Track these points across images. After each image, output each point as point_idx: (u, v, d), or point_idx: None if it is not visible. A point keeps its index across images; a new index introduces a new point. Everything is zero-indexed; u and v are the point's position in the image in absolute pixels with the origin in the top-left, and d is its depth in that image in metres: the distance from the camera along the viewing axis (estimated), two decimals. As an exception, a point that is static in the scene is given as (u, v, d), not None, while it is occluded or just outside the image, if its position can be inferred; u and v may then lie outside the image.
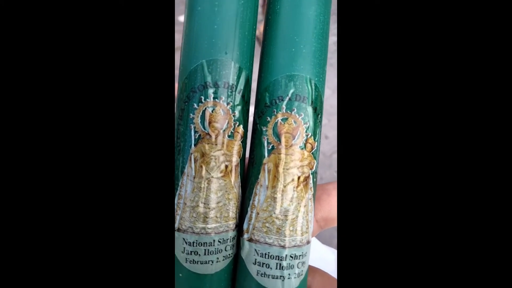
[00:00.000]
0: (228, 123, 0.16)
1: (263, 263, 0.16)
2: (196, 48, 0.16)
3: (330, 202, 0.20)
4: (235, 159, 0.16)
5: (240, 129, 0.16)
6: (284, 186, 0.16)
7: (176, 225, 0.16)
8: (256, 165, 0.17)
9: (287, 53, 0.16)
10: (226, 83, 0.16)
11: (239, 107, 0.16)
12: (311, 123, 0.16)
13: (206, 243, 0.16)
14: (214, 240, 0.16)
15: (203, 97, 0.16)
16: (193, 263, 0.16)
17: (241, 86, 0.16)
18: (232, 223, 0.17)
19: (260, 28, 0.19)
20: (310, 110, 0.16)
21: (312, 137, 0.17)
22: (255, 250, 0.17)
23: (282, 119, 0.16)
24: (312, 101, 0.16)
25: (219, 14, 0.16)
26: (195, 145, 0.16)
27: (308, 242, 0.17)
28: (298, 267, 0.17)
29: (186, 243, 0.16)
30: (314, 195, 0.17)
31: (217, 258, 0.17)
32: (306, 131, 0.16)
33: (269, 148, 0.16)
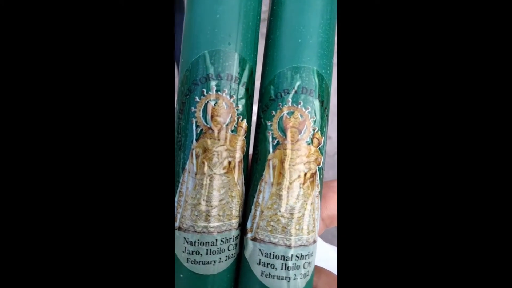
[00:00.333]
0: (231, 117, 0.15)
1: (267, 264, 0.16)
2: (198, 38, 0.15)
3: (336, 199, 0.19)
4: (238, 155, 0.16)
5: (244, 123, 0.16)
6: (290, 183, 0.15)
7: (177, 224, 0.16)
8: (260, 161, 0.16)
9: (293, 44, 0.16)
10: (229, 75, 0.15)
11: (242, 101, 0.16)
12: (318, 117, 0.16)
13: (208, 242, 0.16)
14: (216, 240, 0.16)
15: (205, 90, 0.15)
16: (194, 263, 0.16)
17: (244, 78, 0.16)
18: (235, 222, 0.16)
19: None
20: (317, 103, 0.16)
21: (319, 132, 0.16)
22: (260, 249, 0.16)
23: (288, 113, 0.16)
24: (319, 94, 0.16)
25: (222, 3, 0.15)
26: (196, 140, 0.15)
27: (315, 241, 0.16)
28: (304, 267, 0.16)
29: (187, 242, 0.16)
30: (320, 192, 0.16)
31: (220, 258, 0.16)
32: (313, 126, 0.16)
33: (274, 143, 0.16)
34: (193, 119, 0.15)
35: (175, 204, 0.16)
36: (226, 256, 0.16)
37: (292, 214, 0.16)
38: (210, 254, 0.16)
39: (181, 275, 0.16)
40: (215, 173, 0.15)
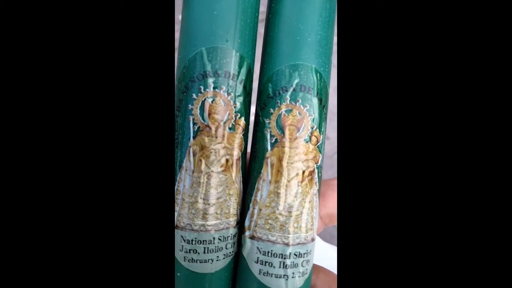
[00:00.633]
0: (229, 114, 0.15)
1: (265, 262, 0.16)
2: (196, 35, 0.15)
3: (335, 198, 0.19)
4: (236, 152, 0.16)
5: (242, 121, 0.16)
6: (288, 181, 0.15)
7: (174, 222, 0.16)
8: (258, 159, 0.16)
9: (291, 41, 0.16)
10: (227, 72, 0.15)
11: (240, 98, 0.16)
12: (316, 115, 0.16)
13: (206, 241, 0.15)
14: (214, 238, 0.16)
15: (202, 87, 0.15)
16: (192, 261, 0.16)
17: (242, 76, 0.15)
18: (233, 220, 0.16)
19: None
20: (315, 101, 0.16)
21: (318, 130, 0.16)
22: (258, 248, 0.16)
23: (286, 111, 0.15)
24: (317, 92, 0.16)
25: None
26: (194, 137, 0.15)
27: (313, 240, 0.16)
28: (302, 266, 0.16)
29: (184, 241, 0.15)
30: (319, 190, 0.16)
31: (217, 256, 0.16)
32: (311, 124, 0.15)
33: (272, 141, 0.16)
34: (190, 116, 0.15)
35: (173, 202, 0.16)
36: (224, 255, 0.16)
37: (290, 212, 0.15)
38: (208, 253, 0.16)
39: (179, 274, 0.16)
40: (212, 171, 0.15)
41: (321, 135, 0.16)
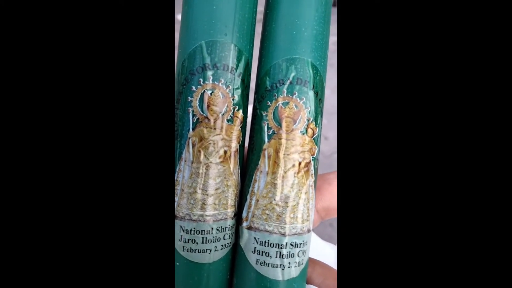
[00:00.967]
0: (227, 106, 0.16)
1: (262, 252, 0.16)
2: (195, 29, 0.15)
3: (331, 191, 0.19)
4: (234, 144, 0.16)
5: (240, 113, 0.16)
6: (285, 172, 0.16)
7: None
8: (256, 151, 0.16)
9: (288, 36, 0.16)
10: (225, 65, 0.15)
11: (238, 91, 0.16)
12: (312, 108, 0.16)
13: (204, 231, 0.16)
14: (212, 228, 0.16)
15: (201, 80, 0.15)
16: (190, 251, 0.16)
17: (241, 69, 0.16)
18: (230, 211, 0.16)
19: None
20: (311, 94, 0.16)
21: (314, 123, 0.16)
22: (255, 238, 0.16)
23: (283, 103, 0.16)
24: (313, 85, 0.16)
25: None
26: (193, 129, 0.15)
27: (309, 231, 0.17)
28: (298, 256, 0.16)
29: (183, 230, 0.16)
30: (315, 182, 0.17)
31: (215, 246, 0.16)
32: (307, 116, 0.16)
33: (270, 133, 0.16)
34: (189, 108, 0.15)
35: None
36: (222, 245, 0.16)
37: (286, 202, 0.16)
38: (206, 243, 0.16)
39: (178, 263, 0.16)
40: (211, 162, 0.16)
41: (317, 128, 0.16)
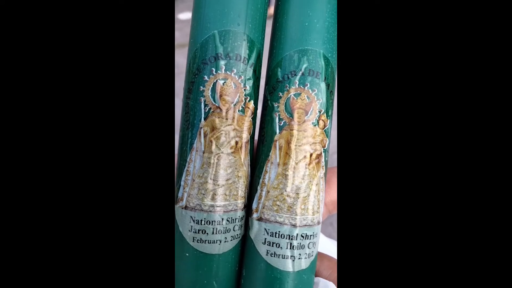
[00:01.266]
0: (239, 97, 0.16)
1: (273, 243, 0.16)
2: (208, 18, 0.15)
3: (339, 185, 0.19)
4: (245, 135, 0.16)
5: (251, 104, 0.16)
6: (296, 163, 0.16)
7: (183, 203, 0.16)
8: (266, 142, 0.16)
9: (300, 27, 0.16)
10: (238, 55, 0.15)
11: (250, 82, 0.16)
12: (324, 99, 0.16)
13: (214, 221, 0.16)
14: (222, 219, 0.16)
15: (214, 69, 0.15)
16: (200, 242, 0.16)
17: (253, 60, 0.16)
18: (240, 203, 0.16)
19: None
20: (323, 86, 0.16)
21: (325, 114, 0.16)
22: (265, 229, 0.16)
23: (295, 94, 0.16)
24: (325, 77, 0.16)
25: None
26: (205, 119, 0.15)
27: (319, 223, 0.17)
28: (308, 247, 0.16)
29: (193, 221, 0.16)
30: (325, 174, 0.17)
31: (225, 237, 0.16)
32: (319, 107, 0.16)
33: (281, 124, 0.16)
34: (201, 98, 0.15)
35: (182, 183, 0.16)
36: (232, 236, 0.16)
37: (297, 193, 0.16)
38: (216, 233, 0.16)
39: (187, 254, 0.16)
40: (222, 152, 0.15)
41: (328, 120, 0.16)
